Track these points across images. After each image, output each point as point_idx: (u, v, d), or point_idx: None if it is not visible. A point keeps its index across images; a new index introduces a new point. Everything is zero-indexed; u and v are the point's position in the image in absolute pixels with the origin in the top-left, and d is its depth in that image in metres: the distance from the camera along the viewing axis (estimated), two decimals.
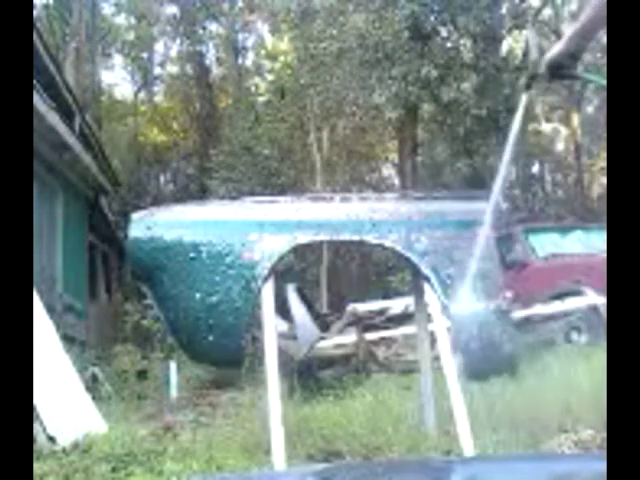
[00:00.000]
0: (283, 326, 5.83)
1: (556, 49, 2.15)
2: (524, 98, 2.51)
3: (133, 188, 20.22)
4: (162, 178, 24.74)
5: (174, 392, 8.18)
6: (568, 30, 2.14)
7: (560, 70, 2.17)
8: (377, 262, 16.70)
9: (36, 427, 3.78)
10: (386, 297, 9.42)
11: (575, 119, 19.16)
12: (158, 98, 25.23)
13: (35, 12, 16.57)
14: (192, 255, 2.66)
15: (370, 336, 6.38)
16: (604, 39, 1.71)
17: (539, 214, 16.00)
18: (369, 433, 3.31)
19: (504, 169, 2.45)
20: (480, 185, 11.52)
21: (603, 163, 18.88)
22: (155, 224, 2.73)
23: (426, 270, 2.70)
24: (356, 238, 2.82)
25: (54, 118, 8.95)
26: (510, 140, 2.49)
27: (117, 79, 31.71)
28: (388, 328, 6.44)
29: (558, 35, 18.03)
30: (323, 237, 2.83)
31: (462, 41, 13.38)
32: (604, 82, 2.31)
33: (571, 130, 19.63)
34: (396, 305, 6.68)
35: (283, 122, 16.34)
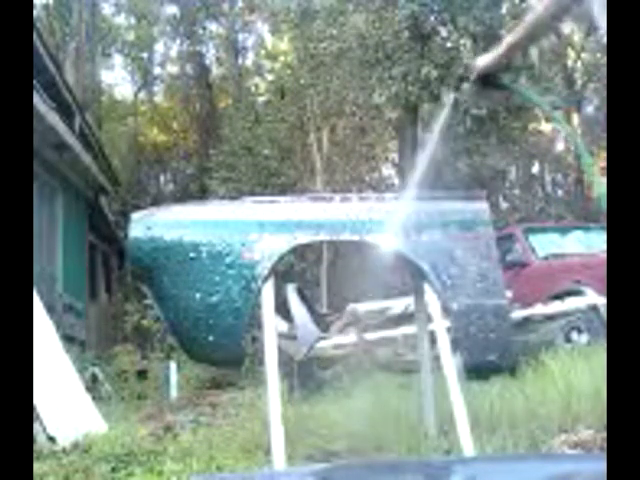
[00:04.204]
0: (283, 326, 5.82)
1: (487, 59, 2.19)
2: (451, 97, 2.57)
3: (133, 188, 20.21)
4: (162, 178, 24.73)
5: (174, 392, 8.20)
6: (505, 41, 2.17)
7: (489, 79, 2.22)
8: (377, 262, 16.67)
9: (36, 427, 3.78)
10: (386, 297, 9.42)
11: (575, 119, 19.16)
12: (158, 98, 25.24)
13: (35, 12, 16.57)
14: (192, 255, 2.66)
15: (370, 336, 6.38)
16: (604, 39, 1.71)
17: (539, 214, 15.98)
18: (369, 433, 3.31)
19: (425, 162, 2.53)
20: (480, 185, 11.52)
21: (603, 163, 18.86)
22: (155, 224, 2.72)
23: (426, 270, 2.70)
24: (356, 238, 2.82)
25: (54, 118, 8.95)
26: (434, 134, 2.56)
27: (117, 79, 31.75)
28: (388, 328, 6.44)
29: (558, 35, 18.03)
30: (323, 237, 2.82)
31: (462, 41, 13.38)
32: (533, 98, 2.37)
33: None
34: (396, 305, 6.68)
35: (283, 122, 16.33)
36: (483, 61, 2.21)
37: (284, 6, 15.63)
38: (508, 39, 2.16)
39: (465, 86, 2.46)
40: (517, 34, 2.13)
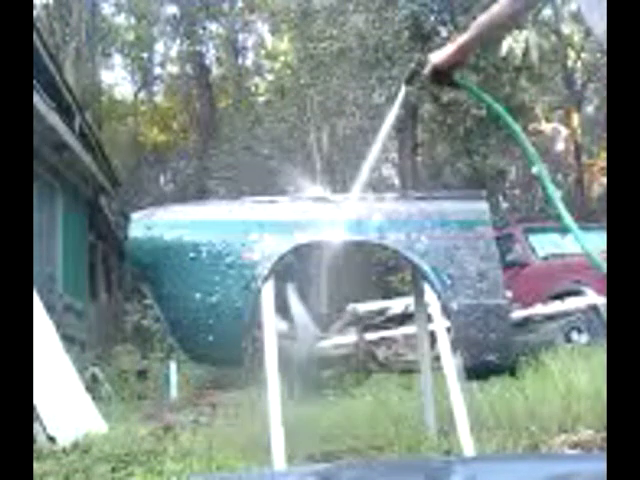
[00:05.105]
0: (283, 326, 5.82)
1: (441, 56, 2.21)
2: (403, 90, 2.61)
3: (133, 188, 20.22)
4: (162, 178, 24.75)
5: (174, 392, 8.20)
6: (458, 40, 2.19)
7: (441, 76, 2.25)
8: (377, 262, 16.70)
9: (36, 427, 3.78)
10: (386, 297, 9.42)
11: (575, 119, 19.16)
12: (158, 98, 25.26)
13: (35, 12, 16.58)
14: (192, 255, 2.66)
15: (370, 336, 6.38)
16: (596, 38, 1.71)
17: (539, 214, 15.98)
18: (369, 433, 3.31)
19: (376, 154, 2.61)
20: (480, 185, 11.53)
21: (603, 163, 18.88)
22: (155, 224, 2.72)
23: (426, 270, 2.70)
24: (356, 238, 2.81)
25: (54, 118, 8.95)
26: (384, 128, 2.62)
27: (117, 79, 31.76)
28: (388, 328, 6.44)
29: (558, 35, 18.03)
30: (323, 237, 2.82)
31: None
32: (485, 98, 2.39)
33: (571, 130, 19.63)
34: (396, 305, 6.68)
35: (283, 122, 16.33)
36: (436, 58, 2.23)
37: (284, 6, 15.65)
38: (459, 39, 2.18)
39: (416, 80, 2.49)
40: (468, 34, 2.15)
